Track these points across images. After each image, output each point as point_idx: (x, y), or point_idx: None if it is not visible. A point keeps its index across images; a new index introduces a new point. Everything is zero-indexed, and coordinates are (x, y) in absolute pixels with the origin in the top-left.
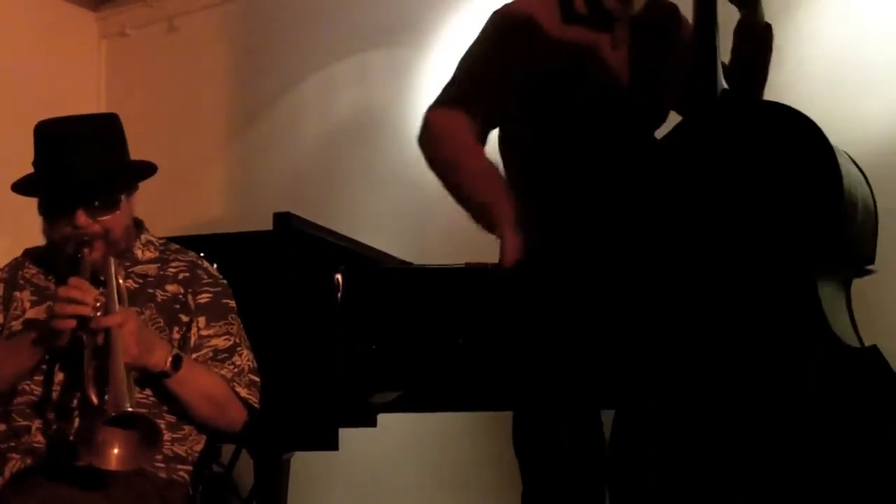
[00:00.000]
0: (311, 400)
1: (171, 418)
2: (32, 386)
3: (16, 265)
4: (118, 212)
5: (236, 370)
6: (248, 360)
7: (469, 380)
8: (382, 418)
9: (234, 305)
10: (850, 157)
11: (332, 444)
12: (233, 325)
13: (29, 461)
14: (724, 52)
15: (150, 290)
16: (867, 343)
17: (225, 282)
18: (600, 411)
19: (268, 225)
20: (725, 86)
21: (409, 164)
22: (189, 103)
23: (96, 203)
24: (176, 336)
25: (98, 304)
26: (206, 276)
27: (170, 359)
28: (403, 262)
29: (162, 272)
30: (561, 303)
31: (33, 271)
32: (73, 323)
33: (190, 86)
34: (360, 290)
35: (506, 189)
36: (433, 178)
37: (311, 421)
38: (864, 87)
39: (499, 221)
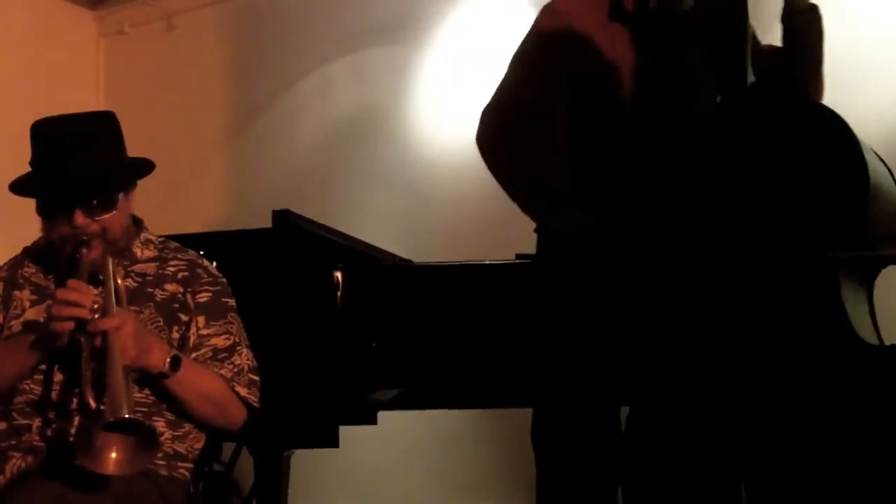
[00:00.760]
0: (311, 397)
1: (172, 416)
2: (32, 385)
3: (15, 263)
4: (116, 211)
5: (236, 370)
6: (247, 359)
7: (469, 377)
8: (382, 416)
9: (234, 304)
10: (876, 153)
11: (332, 442)
12: (232, 324)
13: (29, 459)
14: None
15: (150, 290)
16: (888, 342)
17: (224, 280)
18: (619, 407)
19: (266, 223)
20: (754, 77)
21: (407, 161)
22: (187, 101)
23: (94, 202)
24: (175, 335)
25: (96, 306)
26: (205, 275)
27: (168, 360)
28: (403, 260)
29: (161, 271)
30: (585, 298)
31: (32, 270)
32: (71, 325)
33: (188, 84)
34: (359, 287)
35: None
36: (431, 176)
37: (312, 418)
38: (859, 88)
39: None
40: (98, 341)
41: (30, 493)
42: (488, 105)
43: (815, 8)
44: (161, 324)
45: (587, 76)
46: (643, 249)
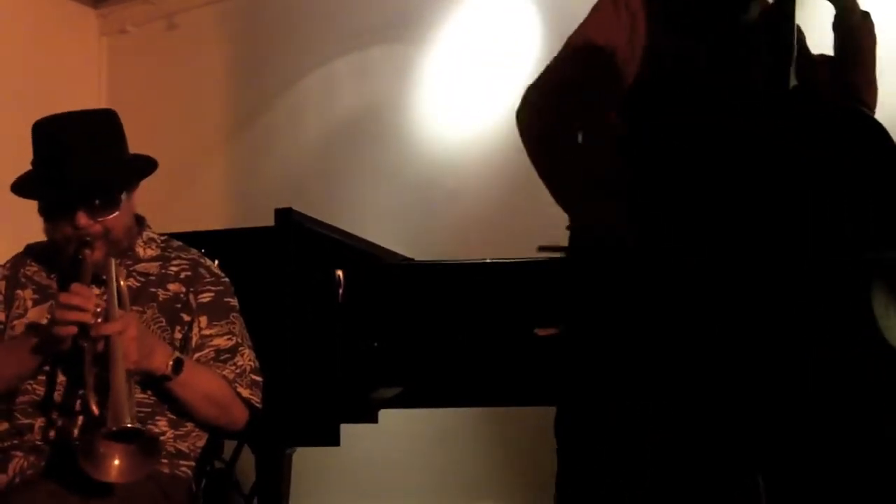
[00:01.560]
0: (312, 396)
1: (173, 415)
2: (35, 385)
3: (17, 262)
4: (119, 211)
5: (238, 370)
6: (249, 359)
7: (470, 376)
8: (383, 414)
9: (236, 304)
10: None
11: (333, 440)
12: (234, 324)
13: (32, 459)
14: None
15: (152, 290)
16: None
17: (227, 280)
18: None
19: (268, 221)
20: (796, 81)
21: (409, 160)
22: (189, 100)
23: (96, 203)
24: (178, 335)
25: (99, 310)
26: (207, 275)
27: (171, 363)
28: (404, 258)
29: (164, 270)
30: (616, 295)
31: (35, 269)
32: (73, 330)
33: (190, 83)
34: (361, 285)
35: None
36: (433, 175)
37: (313, 416)
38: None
39: None
40: (101, 346)
41: (32, 493)
42: (536, 80)
43: (867, 15)
44: (163, 324)
45: (647, 61)
46: (676, 250)
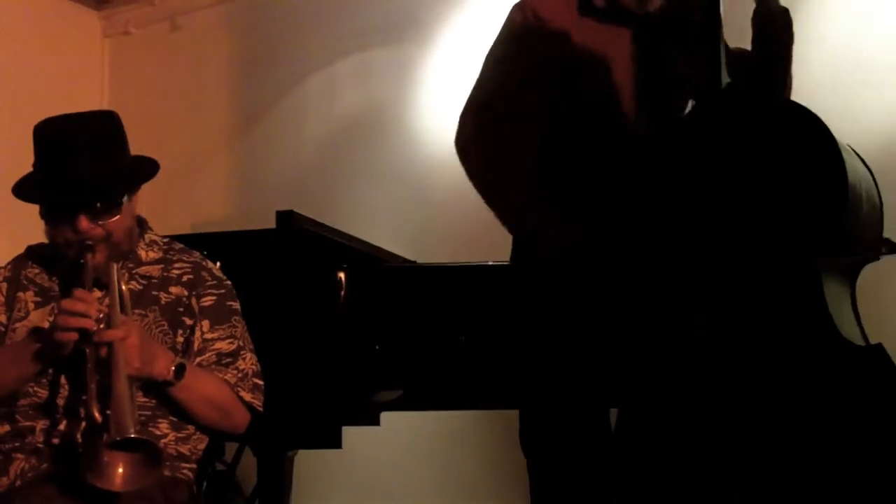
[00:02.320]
0: (314, 398)
1: (175, 418)
2: (37, 388)
3: (19, 263)
4: (120, 214)
5: (240, 374)
6: (251, 363)
7: (472, 378)
8: (386, 417)
9: (238, 307)
10: (855, 151)
11: (335, 443)
12: (237, 327)
13: (33, 461)
14: (745, 43)
15: (154, 293)
16: (872, 341)
17: (229, 283)
18: (608, 409)
19: (271, 223)
20: (728, 79)
21: (412, 161)
22: (192, 102)
23: (98, 206)
24: (180, 339)
25: (101, 316)
26: (210, 278)
27: (173, 368)
28: (406, 261)
29: (166, 273)
30: (560, 301)
31: (36, 270)
32: (75, 336)
33: (193, 84)
34: (363, 288)
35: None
36: (435, 177)
37: (315, 419)
38: (864, 86)
39: None
40: (103, 352)
41: (33, 495)
42: (465, 107)
43: (786, 11)
44: (165, 327)
45: (567, 71)
46: (618, 251)
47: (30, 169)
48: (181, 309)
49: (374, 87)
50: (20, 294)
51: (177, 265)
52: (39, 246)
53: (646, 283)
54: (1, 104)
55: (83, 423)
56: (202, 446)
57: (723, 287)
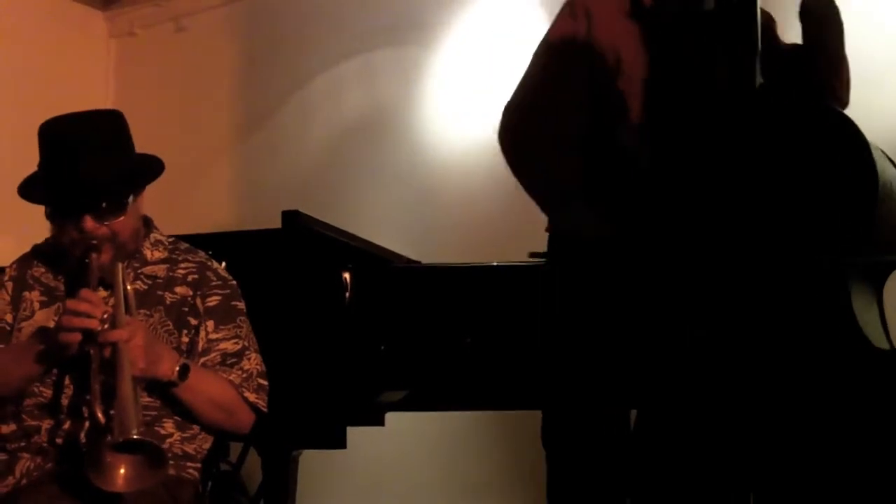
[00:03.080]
0: (318, 398)
1: (180, 418)
2: (42, 388)
3: (24, 263)
4: (126, 214)
5: (245, 375)
6: (256, 363)
7: (477, 379)
8: (390, 417)
9: (243, 307)
10: (886, 155)
11: (339, 443)
12: (241, 327)
13: (39, 461)
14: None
15: (160, 293)
16: None
17: (234, 283)
18: (629, 410)
19: (276, 224)
20: (761, 79)
21: (417, 162)
22: (197, 102)
23: (103, 206)
24: (184, 339)
25: (106, 316)
26: (215, 278)
27: (177, 368)
28: (411, 261)
29: (171, 273)
30: (593, 298)
31: (42, 270)
32: (79, 336)
33: (198, 85)
34: (368, 288)
35: None
36: (440, 177)
37: (319, 419)
38: (864, 85)
39: None
40: (107, 352)
41: (38, 494)
42: (509, 102)
43: (831, 3)
44: (170, 327)
45: (607, 75)
46: (650, 250)
47: (35, 169)
48: (186, 309)
49: (380, 89)
50: (26, 293)
51: (182, 265)
52: (44, 245)
53: (669, 284)
54: (6, 104)
55: (87, 424)
56: (207, 445)
57: (747, 289)
